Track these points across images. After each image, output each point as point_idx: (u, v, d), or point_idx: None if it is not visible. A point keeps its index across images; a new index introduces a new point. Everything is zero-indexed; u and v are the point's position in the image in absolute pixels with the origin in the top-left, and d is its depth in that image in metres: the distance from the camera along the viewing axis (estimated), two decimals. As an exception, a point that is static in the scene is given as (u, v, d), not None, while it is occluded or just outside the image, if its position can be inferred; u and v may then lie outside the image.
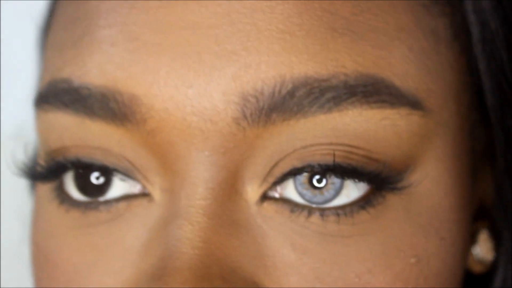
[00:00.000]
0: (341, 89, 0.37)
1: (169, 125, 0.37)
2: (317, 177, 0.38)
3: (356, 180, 0.38)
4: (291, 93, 0.36)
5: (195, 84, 0.37)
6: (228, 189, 0.38)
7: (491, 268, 0.46)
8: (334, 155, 0.37)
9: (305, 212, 0.38)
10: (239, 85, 0.36)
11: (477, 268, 0.45)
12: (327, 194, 0.38)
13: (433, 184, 0.39)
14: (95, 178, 0.41)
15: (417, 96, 0.38)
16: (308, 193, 0.38)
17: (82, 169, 0.41)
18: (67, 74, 0.40)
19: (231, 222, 0.38)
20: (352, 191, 0.38)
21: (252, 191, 0.38)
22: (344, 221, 0.38)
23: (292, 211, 0.38)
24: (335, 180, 0.38)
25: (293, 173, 0.38)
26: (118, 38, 0.38)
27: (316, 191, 0.38)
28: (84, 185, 0.41)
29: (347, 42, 0.37)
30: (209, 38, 0.37)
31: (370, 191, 0.38)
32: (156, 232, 0.39)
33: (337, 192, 0.38)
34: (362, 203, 0.38)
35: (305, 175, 0.38)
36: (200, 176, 0.38)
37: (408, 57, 0.39)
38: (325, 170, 0.37)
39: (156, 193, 0.39)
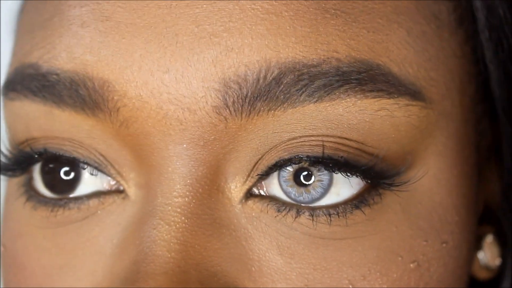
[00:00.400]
0: (333, 75, 0.33)
1: (144, 115, 0.34)
2: (305, 173, 0.35)
3: (348, 174, 0.34)
4: (278, 80, 0.33)
5: (171, 68, 0.33)
6: (209, 185, 0.34)
7: (497, 275, 0.43)
8: (323, 146, 0.34)
9: (293, 212, 0.34)
10: (220, 70, 0.33)
11: (482, 275, 0.42)
12: (314, 192, 0.35)
13: (434, 182, 0.36)
14: (64, 174, 0.37)
15: (417, 85, 0.35)
16: (293, 191, 0.35)
17: (50, 162, 0.37)
18: (35, 59, 0.36)
19: (211, 222, 0.34)
20: (343, 188, 0.35)
21: (235, 188, 0.35)
22: (337, 222, 0.34)
23: (278, 210, 0.34)
24: (323, 177, 0.35)
25: (279, 165, 0.34)
26: (89, 17, 0.35)
27: (302, 189, 0.35)
28: (52, 181, 0.38)
29: (340, 24, 0.34)
30: (187, 18, 0.33)
31: (365, 189, 0.35)
32: (130, 232, 0.35)
33: (326, 191, 0.35)
34: (356, 202, 0.34)
35: (289, 171, 0.35)
36: (178, 171, 0.34)
37: (407, 42, 0.35)
38: (314, 163, 0.34)
39: (131, 190, 0.36)
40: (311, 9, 0.34)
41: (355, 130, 0.34)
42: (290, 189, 0.35)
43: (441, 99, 0.36)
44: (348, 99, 0.34)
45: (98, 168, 0.36)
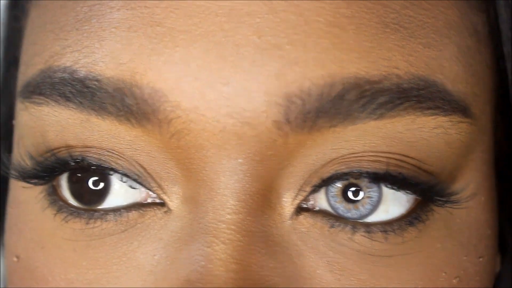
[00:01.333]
0: (394, 93, 0.33)
1: (198, 127, 0.32)
2: (353, 189, 0.34)
3: (408, 192, 0.34)
4: (341, 96, 0.32)
5: (232, 81, 0.32)
6: (262, 201, 0.33)
7: (495, 282, 0.44)
8: (387, 163, 0.33)
9: (347, 228, 0.34)
10: (283, 84, 0.32)
11: None
12: (362, 209, 0.34)
13: (472, 197, 0.36)
14: (92, 184, 0.35)
15: (466, 101, 0.35)
16: (341, 206, 0.34)
17: (79, 171, 0.35)
18: (69, 62, 0.34)
19: (265, 239, 0.33)
20: (392, 206, 0.34)
21: (286, 204, 0.34)
22: (393, 239, 0.34)
23: (332, 226, 0.34)
24: (372, 194, 0.34)
25: (335, 178, 0.33)
26: (137, 22, 0.33)
27: (350, 205, 0.34)
28: (80, 191, 0.35)
29: (399, 39, 0.33)
30: (248, 27, 0.32)
31: (416, 205, 0.34)
32: (176, 249, 0.33)
33: (374, 207, 0.34)
34: (410, 218, 0.34)
35: (338, 187, 0.34)
36: (231, 187, 0.33)
37: (457, 57, 0.35)
38: (373, 179, 0.33)
39: (174, 204, 0.34)
40: (372, 23, 0.33)
41: (413, 148, 0.33)
42: (338, 205, 0.34)
43: (480, 114, 0.36)
44: (408, 117, 0.33)
45: (137, 180, 0.34)
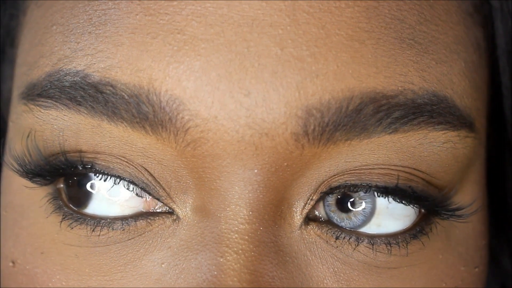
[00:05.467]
0: (409, 108, 0.33)
1: (216, 137, 0.32)
2: (351, 199, 0.35)
3: (416, 206, 0.34)
4: (358, 110, 0.32)
5: (252, 91, 0.32)
6: (273, 211, 0.33)
7: None
8: (398, 176, 0.34)
9: (352, 240, 0.34)
10: (303, 97, 0.32)
11: None
12: (355, 219, 0.35)
13: (476, 212, 0.37)
14: (89, 187, 0.35)
15: (471, 116, 0.36)
16: (335, 216, 0.34)
17: (84, 177, 0.34)
18: (81, 66, 0.33)
19: (277, 249, 0.33)
20: (386, 220, 0.35)
21: (296, 214, 0.34)
22: (396, 251, 0.34)
23: (337, 238, 0.34)
24: (366, 206, 0.34)
25: (343, 187, 0.34)
26: (156, 28, 0.32)
27: (343, 215, 0.35)
28: (74, 194, 0.35)
29: (414, 55, 0.34)
30: (270, 38, 0.32)
31: (421, 218, 0.35)
32: (186, 258, 0.33)
33: (367, 219, 0.35)
34: (415, 231, 0.35)
35: (333, 197, 0.34)
36: (244, 197, 0.33)
37: (464, 73, 0.36)
38: (382, 192, 0.34)
39: (183, 212, 0.34)
40: (390, 38, 0.33)
41: (424, 162, 0.34)
42: (332, 214, 0.35)
43: (481, 127, 0.37)
44: (420, 131, 0.34)
45: (145, 189, 0.34)
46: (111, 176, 0.34)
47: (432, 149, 0.34)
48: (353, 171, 0.34)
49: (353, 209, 0.35)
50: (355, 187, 0.34)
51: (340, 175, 0.34)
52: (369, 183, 0.34)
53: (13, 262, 0.36)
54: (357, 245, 0.34)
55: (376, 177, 0.34)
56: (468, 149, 0.35)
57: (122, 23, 0.33)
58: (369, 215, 0.35)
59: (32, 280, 0.35)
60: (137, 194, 0.34)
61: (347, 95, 0.32)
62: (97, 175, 0.34)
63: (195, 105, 0.32)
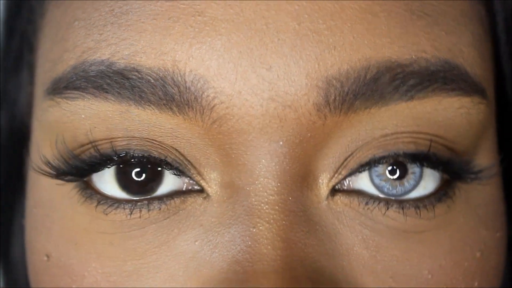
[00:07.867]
0: (423, 75, 0.34)
1: (241, 112, 0.33)
2: (393, 167, 0.36)
3: (439, 169, 0.36)
4: (375, 79, 0.34)
5: (274, 65, 0.33)
6: (300, 183, 0.34)
7: None
8: (416, 143, 0.35)
9: (381, 205, 0.35)
10: (323, 68, 0.33)
11: None
12: (407, 184, 0.36)
13: (495, 174, 0.38)
14: (136, 174, 0.35)
15: (483, 84, 0.37)
16: (387, 185, 0.35)
17: (122, 163, 0.35)
18: (106, 55, 0.34)
19: (306, 218, 0.34)
20: (429, 182, 0.36)
21: (322, 185, 0.35)
22: (425, 215, 0.35)
23: (367, 203, 0.35)
24: (415, 170, 0.36)
25: (373, 162, 0.35)
26: (177, 12, 0.34)
27: (397, 182, 0.36)
28: (126, 183, 0.36)
29: (424, 25, 0.35)
30: (287, 14, 0.33)
31: (445, 182, 0.36)
32: (218, 233, 0.34)
33: (417, 183, 0.36)
34: (439, 195, 0.36)
35: (382, 166, 0.35)
36: (272, 169, 0.34)
37: (472, 44, 0.37)
38: (410, 158, 0.35)
39: (212, 190, 0.35)
40: (400, 10, 0.35)
41: (441, 127, 0.35)
42: (383, 183, 0.36)
43: (491, 97, 0.39)
44: (435, 97, 0.35)
45: (179, 168, 0.35)
46: (147, 159, 0.35)
47: (447, 114, 0.35)
48: (377, 144, 0.35)
49: (403, 175, 0.36)
50: (384, 159, 0.35)
51: (366, 149, 0.35)
52: (396, 152, 0.35)
53: (47, 256, 0.37)
54: (387, 210, 0.35)
55: (401, 145, 0.35)
56: (481, 115, 0.37)
57: (143, 10, 0.34)
58: (418, 178, 0.36)
59: (67, 271, 0.36)
60: (174, 174, 0.35)
61: (364, 65, 0.33)
62: (133, 160, 0.35)
63: (219, 82, 0.33)
